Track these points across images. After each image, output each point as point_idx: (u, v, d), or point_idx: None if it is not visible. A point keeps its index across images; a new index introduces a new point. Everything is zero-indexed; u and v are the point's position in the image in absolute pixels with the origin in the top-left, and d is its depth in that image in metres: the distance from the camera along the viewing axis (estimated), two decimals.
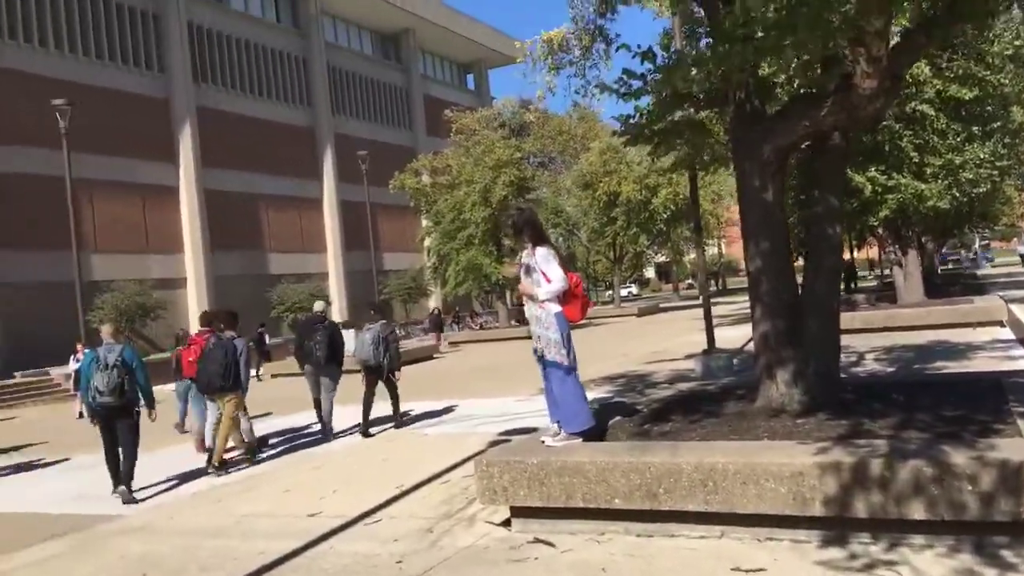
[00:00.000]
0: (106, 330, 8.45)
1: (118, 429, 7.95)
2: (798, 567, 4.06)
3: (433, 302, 46.73)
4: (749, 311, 6.20)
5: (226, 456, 8.97)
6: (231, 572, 5.10)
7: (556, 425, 5.55)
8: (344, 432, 10.51)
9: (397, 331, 11.40)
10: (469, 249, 30.97)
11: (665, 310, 38.02)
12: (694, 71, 5.07)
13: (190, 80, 34.81)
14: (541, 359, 5.57)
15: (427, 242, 35.62)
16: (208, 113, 35.46)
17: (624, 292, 49.03)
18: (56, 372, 24.00)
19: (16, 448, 12.99)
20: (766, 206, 5.75)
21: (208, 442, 9.46)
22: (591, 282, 68.84)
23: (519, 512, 5.23)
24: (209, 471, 8.64)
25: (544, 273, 5.51)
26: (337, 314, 39.48)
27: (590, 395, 11.32)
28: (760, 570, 4.06)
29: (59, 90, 24.41)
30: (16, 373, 24.53)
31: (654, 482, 4.64)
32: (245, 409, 9.44)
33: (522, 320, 34.97)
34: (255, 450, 9.50)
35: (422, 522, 5.76)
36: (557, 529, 5.05)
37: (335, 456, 9.09)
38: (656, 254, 48.53)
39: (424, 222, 38.02)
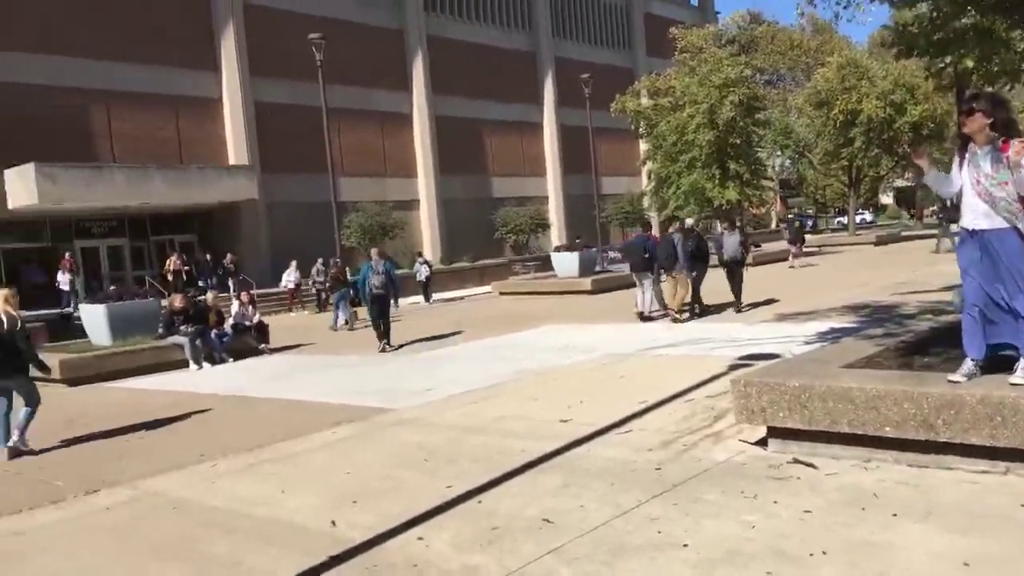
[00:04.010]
0: (375, 252, 13.84)
1: (381, 308, 13.23)
2: None
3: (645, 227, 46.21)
4: None
5: (655, 315, 13.87)
6: (499, 464, 5.59)
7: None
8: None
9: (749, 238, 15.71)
10: (691, 172, 30.16)
11: (907, 239, 34.99)
12: None
13: (421, 9, 36.25)
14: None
15: (647, 166, 35.12)
16: (438, 42, 36.86)
17: (857, 219, 45.53)
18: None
19: (294, 347, 14.83)
20: None
21: (647, 311, 13.89)
22: (819, 208, 64.70)
23: (776, 433, 5.24)
24: (672, 320, 13.19)
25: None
26: (555, 236, 40.34)
27: (827, 325, 10.92)
28: None
29: (314, 26, 26.48)
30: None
31: (932, 413, 4.45)
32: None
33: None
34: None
35: (671, 435, 5.94)
36: (816, 452, 5.01)
37: (575, 370, 9.51)
38: (897, 178, 44.47)
39: (644, 145, 37.42)
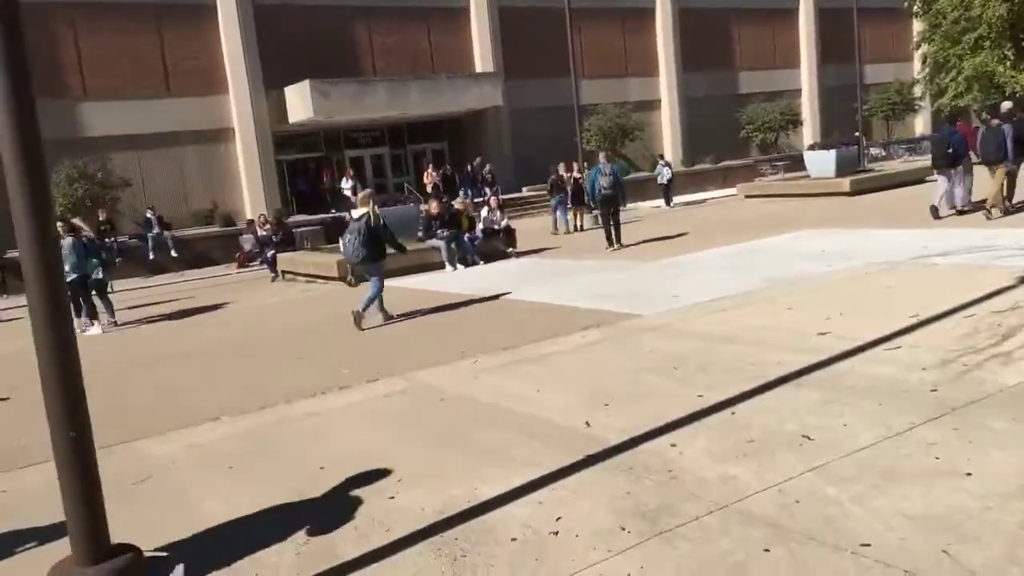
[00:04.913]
0: (603, 156, 15.17)
1: (611, 208, 14.31)
2: None
3: (921, 120, 41.38)
4: None
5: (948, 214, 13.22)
6: (752, 376, 5.44)
7: None
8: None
9: None
10: (977, 53, 26.22)
11: None
12: None
13: None
14: None
15: (921, 49, 31.06)
16: None
17: None
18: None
19: (539, 251, 15.36)
20: None
21: (958, 205, 13.55)
22: None
23: None
24: (985, 216, 12.45)
25: None
26: (808, 134, 37.44)
27: None
28: None
29: None
30: (524, 188, 28.56)
31: None
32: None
33: None
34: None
35: (949, 354, 5.42)
36: None
37: (834, 280, 8.92)
38: None
39: (918, 26, 33.03)
